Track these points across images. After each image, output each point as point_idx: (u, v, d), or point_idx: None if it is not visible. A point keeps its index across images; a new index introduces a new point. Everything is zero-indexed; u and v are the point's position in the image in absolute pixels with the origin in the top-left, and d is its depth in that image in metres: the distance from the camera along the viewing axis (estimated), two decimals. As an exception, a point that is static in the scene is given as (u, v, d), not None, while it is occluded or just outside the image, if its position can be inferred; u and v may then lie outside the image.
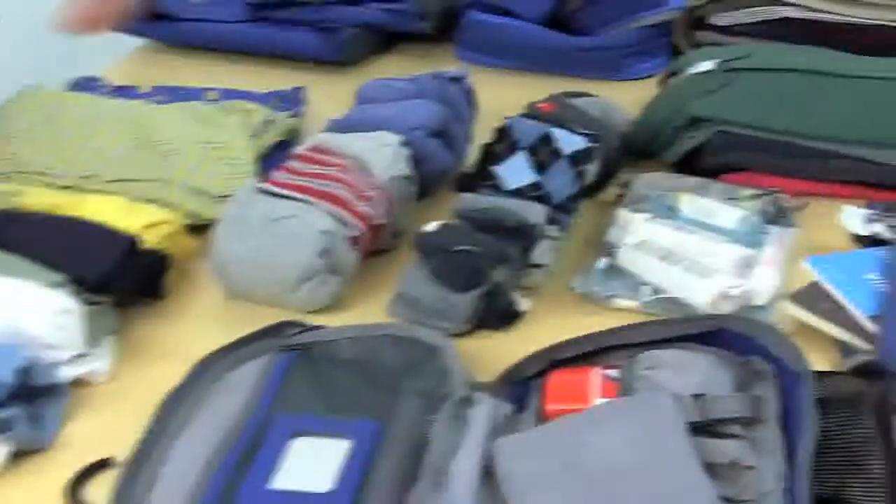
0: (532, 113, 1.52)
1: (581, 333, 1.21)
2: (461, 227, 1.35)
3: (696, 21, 1.85)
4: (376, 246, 1.46)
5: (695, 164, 1.58)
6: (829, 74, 1.59)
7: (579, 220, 1.51)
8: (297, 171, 1.42)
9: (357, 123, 1.54)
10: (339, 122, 1.57)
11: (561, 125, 1.47)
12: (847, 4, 1.77)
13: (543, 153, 1.43)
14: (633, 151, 1.62)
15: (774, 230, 1.44)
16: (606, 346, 1.19)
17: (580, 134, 1.45)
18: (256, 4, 1.94)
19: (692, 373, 1.09)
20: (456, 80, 1.62)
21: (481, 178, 1.43)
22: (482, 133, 1.54)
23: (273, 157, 1.62)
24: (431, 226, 1.36)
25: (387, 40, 1.99)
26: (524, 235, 1.36)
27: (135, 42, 2.05)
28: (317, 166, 1.43)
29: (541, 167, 1.42)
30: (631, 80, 1.87)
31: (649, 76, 1.84)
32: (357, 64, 1.95)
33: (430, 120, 1.54)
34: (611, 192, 1.56)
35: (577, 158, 1.43)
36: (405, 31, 1.95)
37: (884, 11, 1.75)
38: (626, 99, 1.72)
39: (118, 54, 2.04)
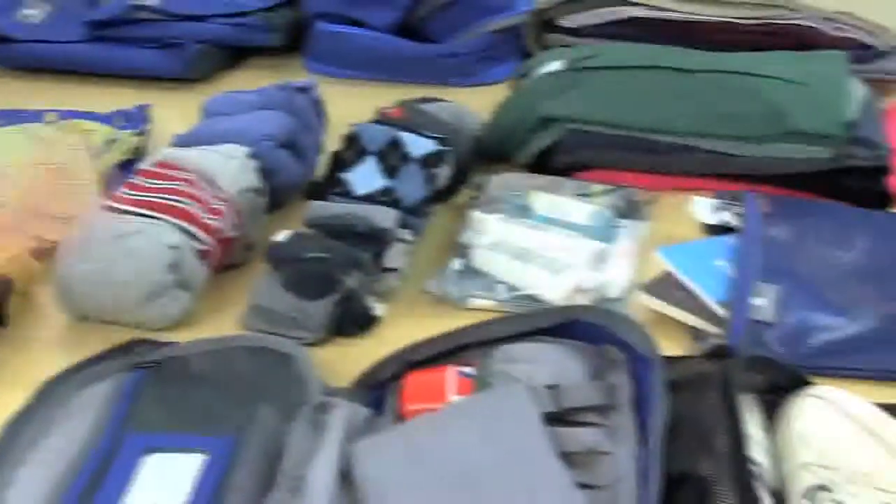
0: (381, 119, 1.50)
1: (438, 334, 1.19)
2: (312, 236, 1.34)
3: (546, 24, 1.85)
4: (228, 259, 1.43)
5: (547, 164, 1.58)
6: (673, 70, 1.59)
7: (434, 224, 1.50)
8: (142, 188, 1.38)
9: (204, 137, 1.50)
10: (186, 137, 1.53)
11: (410, 130, 1.45)
12: (690, 3, 1.77)
13: (393, 158, 1.41)
14: (486, 154, 1.60)
15: (627, 223, 1.44)
16: (462, 344, 1.17)
17: (430, 137, 1.43)
18: (95, 23, 1.88)
19: (546, 364, 1.09)
20: (303, 90, 1.59)
21: (331, 185, 1.41)
22: (333, 143, 1.53)
23: (118, 175, 1.57)
24: (282, 235, 1.34)
25: (235, 55, 1.94)
26: (375, 240, 1.35)
27: None
28: (162, 182, 1.39)
29: (391, 172, 1.41)
30: (483, 84, 1.85)
31: (502, 80, 1.82)
32: (205, 79, 1.90)
33: (278, 131, 1.51)
34: (464, 194, 1.55)
35: (428, 161, 1.42)
36: (253, 45, 1.91)
37: (726, 8, 1.76)
38: (479, 103, 1.70)
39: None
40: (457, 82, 1.83)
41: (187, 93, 1.87)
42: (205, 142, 1.49)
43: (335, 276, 1.31)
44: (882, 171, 1.49)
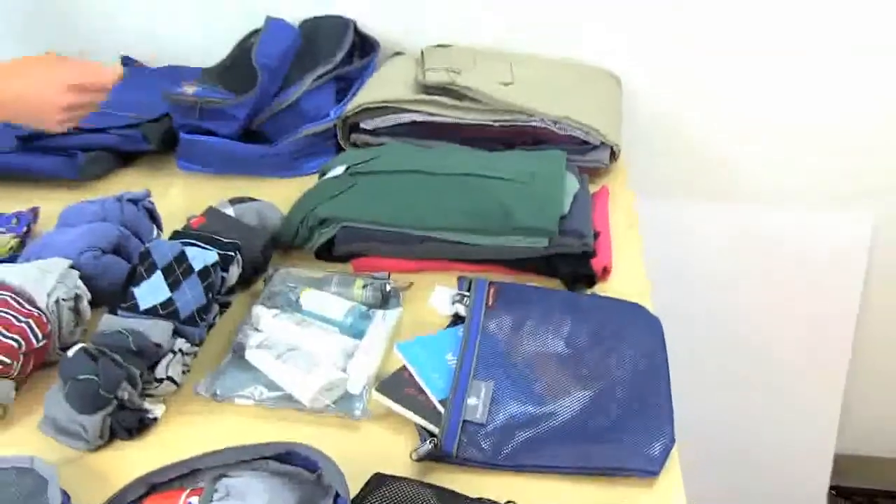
0: (182, 230, 1.04)
1: (206, 434, 0.84)
2: (89, 354, 0.87)
3: (352, 126, 1.40)
4: (47, 359, 0.97)
5: (331, 252, 1.12)
6: (426, 174, 1.15)
7: (230, 313, 1.04)
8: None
9: (42, 249, 1.06)
10: (30, 248, 1.09)
11: (202, 239, 0.99)
12: (453, 109, 1.35)
13: (178, 271, 0.95)
14: (282, 246, 1.14)
15: (379, 315, 0.98)
16: (197, 468, 0.75)
17: (214, 247, 0.98)
18: (23, 137, 1.43)
19: (258, 497, 0.70)
20: (135, 201, 1.12)
21: (122, 299, 0.93)
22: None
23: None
24: (72, 351, 0.89)
25: (125, 157, 1.48)
26: (148, 355, 0.89)
27: None
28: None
29: (174, 285, 0.94)
30: (303, 175, 1.39)
31: (317, 171, 1.34)
32: (101, 179, 1.44)
33: (103, 242, 1.06)
34: (258, 285, 1.08)
35: (205, 272, 0.96)
36: (136, 150, 1.46)
37: (483, 114, 1.34)
38: (300, 191, 1.24)
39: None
40: (282, 174, 1.40)
41: (85, 192, 1.39)
42: (42, 254, 1.05)
43: (105, 395, 0.85)
44: (588, 256, 1.05)
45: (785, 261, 1.71)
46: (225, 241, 1.01)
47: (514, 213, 1.05)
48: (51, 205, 1.30)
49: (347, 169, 1.17)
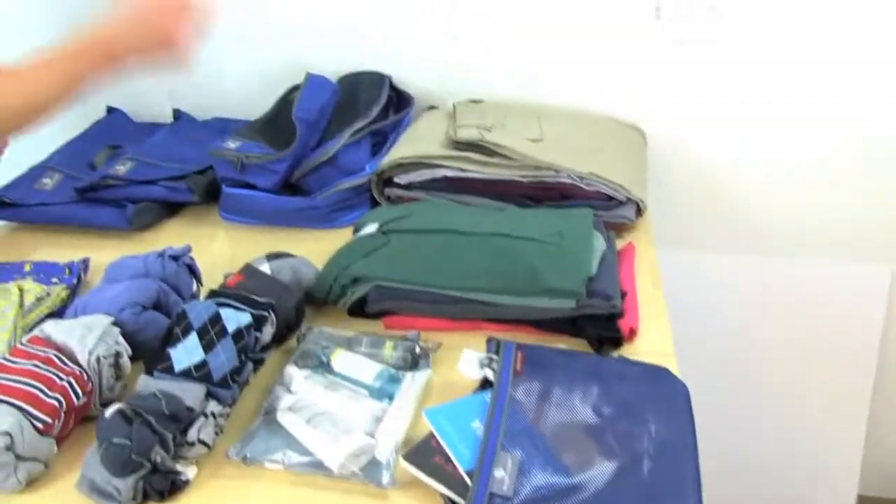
0: (219, 288, 1.00)
1: (236, 498, 0.80)
2: (125, 416, 0.83)
3: (386, 181, 1.35)
4: (87, 414, 0.93)
5: (363, 310, 1.07)
6: (456, 233, 1.10)
7: (263, 370, 0.99)
8: (3, 368, 0.89)
9: (85, 305, 1.02)
10: (75, 304, 1.03)
11: (237, 298, 0.95)
12: (483, 165, 1.29)
13: (213, 332, 0.91)
14: (315, 302, 1.10)
15: (409, 377, 0.93)
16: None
17: (249, 308, 0.93)
18: (80, 189, 1.40)
19: None
20: (175, 258, 1.08)
21: (159, 359, 0.89)
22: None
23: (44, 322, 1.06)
24: (109, 411, 0.84)
25: (171, 207, 1.45)
26: (181, 418, 0.84)
27: None
28: (24, 360, 0.90)
29: (207, 347, 0.89)
30: (339, 227, 1.35)
31: (353, 224, 1.29)
32: (147, 228, 1.40)
33: (142, 297, 1.01)
34: (294, 341, 1.03)
35: (240, 334, 0.90)
36: (181, 202, 1.43)
37: (512, 170, 1.28)
38: (336, 243, 1.20)
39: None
40: (319, 226, 1.35)
41: (134, 241, 1.37)
42: (86, 309, 1.01)
43: (137, 459, 0.80)
44: (615, 317, 1.00)
45: (805, 310, 1.64)
46: (259, 300, 0.96)
47: (543, 275, 1.00)
48: (101, 253, 1.26)
49: (380, 227, 1.12)
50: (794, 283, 1.61)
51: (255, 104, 1.55)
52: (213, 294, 0.97)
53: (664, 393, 0.89)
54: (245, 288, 0.99)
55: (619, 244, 1.19)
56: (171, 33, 1.07)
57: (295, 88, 1.50)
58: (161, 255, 1.08)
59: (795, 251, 1.58)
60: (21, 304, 1.10)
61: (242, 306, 0.93)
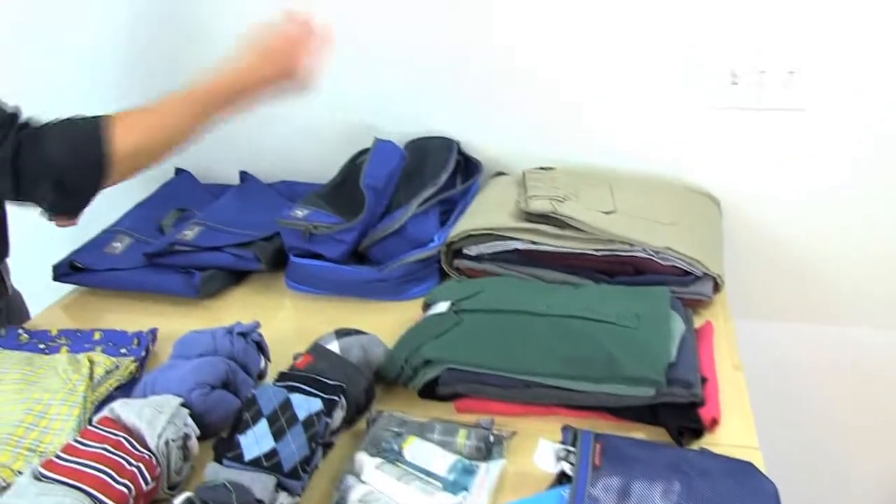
0: (287, 371, 0.99)
1: None
2: (195, 508, 0.81)
3: (455, 252, 1.34)
4: (153, 498, 0.91)
5: (434, 390, 1.06)
6: (530, 315, 1.08)
7: (332, 453, 0.98)
8: (74, 451, 0.88)
9: (154, 384, 1.03)
10: (144, 382, 1.04)
11: (307, 382, 0.94)
12: (555, 238, 1.27)
13: (283, 419, 0.90)
14: (387, 381, 1.08)
15: (483, 469, 0.91)
16: None
17: (319, 393, 0.92)
18: (149, 255, 1.42)
19: None
20: (244, 334, 1.08)
21: (228, 447, 0.89)
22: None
23: (113, 396, 1.10)
24: (178, 500, 0.82)
25: (237, 275, 1.45)
26: (251, 511, 0.82)
27: (69, 288, 1.47)
28: (94, 443, 0.89)
29: (278, 434, 0.88)
30: (407, 300, 1.34)
31: (421, 296, 1.29)
32: (214, 296, 1.41)
33: (211, 377, 1.01)
34: (363, 423, 1.02)
35: (311, 421, 0.89)
36: (248, 269, 1.43)
37: (584, 243, 1.26)
38: (408, 312, 1.24)
39: (59, 296, 1.47)
40: (388, 298, 1.34)
41: (199, 308, 1.38)
42: (155, 388, 1.02)
43: (206, 554, 0.78)
44: (696, 406, 0.96)
45: (887, 383, 1.58)
46: (330, 383, 0.95)
47: (620, 362, 0.97)
48: (169, 321, 1.28)
49: (452, 305, 1.11)
50: (876, 354, 1.55)
51: (322, 167, 1.57)
52: (282, 377, 0.96)
53: (750, 491, 0.85)
54: (315, 370, 0.98)
55: (696, 321, 1.16)
56: (298, 62, 1.12)
57: (362, 153, 1.51)
58: (230, 331, 1.08)
59: (875, 323, 1.53)
60: (91, 377, 1.10)
61: (313, 391, 0.93)
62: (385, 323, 1.19)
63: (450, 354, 1.03)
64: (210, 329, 1.10)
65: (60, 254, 1.43)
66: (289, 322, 1.32)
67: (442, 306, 1.12)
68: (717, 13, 1.35)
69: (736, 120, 1.42)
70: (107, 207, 1.53)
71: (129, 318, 1.35)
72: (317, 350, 1.03)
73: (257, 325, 1.11)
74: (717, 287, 1.24)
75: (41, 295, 1.45)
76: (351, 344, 1.08)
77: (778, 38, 1.34)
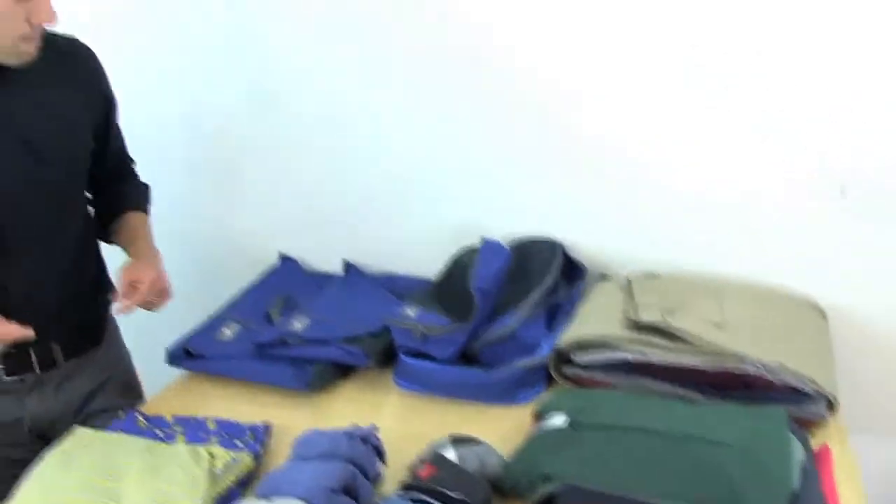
0: (411, 481, 1.02)
1: None
2: None
3: (564, 359, 1.36)
4: None
5: (550, 505, 1.06)
6: (652, 432, 1.10)
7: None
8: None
9: (278, 485, 1.06)
10: (265, 482, 1.08)
11: (431, 492, 0.97)
12: (666, 351, 1.29)
13: (410, 533, 0.92)
14: (503, 493, 1.10)
15: None
16: None
17: (445, 505, 0.95)
18: (258, 345, 1.48)
19: None
20: (365, 439, 1.12)
21: None
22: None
23: (232, 492, 1.16)
24: None
25: (344, 369, 1.48)
26: None
27: (179, 373, 1.54)
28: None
29: (406, 550, 0.91)
30: (518, 404, 1.36)
31: (531, 401, 1.33)
32: (322, 390, 1.44)
33: (335, 482, 1.05)
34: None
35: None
36: (356, 365, 1.46)
37: (694, 357, 1.28)
38: (516, 417, 1.28)
39: (168, 380, 1.53)
40: (499, 402, 1.36)
41: (308, 401, 1.42)
42: (278, 489, 1.05)
43: None
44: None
45: None
46: (453, 496, 0.98)
47: (742, 490, 0.98)
48: (277, 412, 1.34)
49: (569, 420, 1.13)
50: None
51: (424, 261, 1.62)
52: (407, 488, 0.99)
53: None
54: (437, 480, 1.01)
55: (812, 444, 1.16)
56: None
57: (468, 251, 1.55)
58: (350, 435, 1.12)
59: None
60: (211, 471, 1.14)
61: (436, 503, 0.95)
62: (494, 428, 1.22)
63: (569, 471, 1.05)
64: (331, 430, 1.14)
65: (152, 322, 1.48)
66: (396, 421, 1.35)
67: (558, 419, 1.15)
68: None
69: (843, 228, 1.42)
70: (213, 294, 1.62)
71: (238, 407, 1.40)
72: (437, 460, 1.06)
73: (375, 428, 1.15)
74: (831, 407, 1.24)
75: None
76: (467, 453, 1.11)
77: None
